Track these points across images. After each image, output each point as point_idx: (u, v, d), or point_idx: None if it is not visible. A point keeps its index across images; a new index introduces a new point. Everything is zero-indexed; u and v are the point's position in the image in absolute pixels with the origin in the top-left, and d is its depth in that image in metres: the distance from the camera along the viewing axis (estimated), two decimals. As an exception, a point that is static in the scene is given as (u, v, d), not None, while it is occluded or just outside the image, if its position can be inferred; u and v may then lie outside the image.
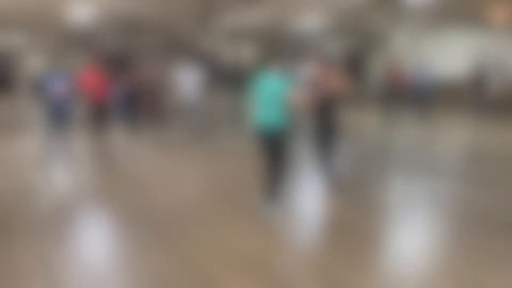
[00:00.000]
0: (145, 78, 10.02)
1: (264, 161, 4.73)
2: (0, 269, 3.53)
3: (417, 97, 12.92)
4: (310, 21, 12.56)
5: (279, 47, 17.64)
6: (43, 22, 11.18)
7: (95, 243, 4.06)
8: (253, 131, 4.48)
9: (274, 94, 4.54)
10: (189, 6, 9.39)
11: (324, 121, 4.80)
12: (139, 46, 12.50)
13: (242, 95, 13.53)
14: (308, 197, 5.40)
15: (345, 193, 5.53)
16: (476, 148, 8.34)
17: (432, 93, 13.15)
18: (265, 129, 4.61)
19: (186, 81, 9.50)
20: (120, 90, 10.07)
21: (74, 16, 9.82)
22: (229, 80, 13.94)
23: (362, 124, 11.89)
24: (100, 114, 7.73)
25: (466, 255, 3.69)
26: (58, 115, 7.15)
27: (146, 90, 9.99)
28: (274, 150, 4.61)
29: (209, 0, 8.63)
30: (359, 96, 17.27)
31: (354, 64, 17.38)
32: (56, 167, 7.34)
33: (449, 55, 15.10)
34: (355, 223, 4.46)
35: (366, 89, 17.25)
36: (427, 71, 12.82)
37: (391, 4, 9.73)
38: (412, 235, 4.15)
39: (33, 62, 20.25)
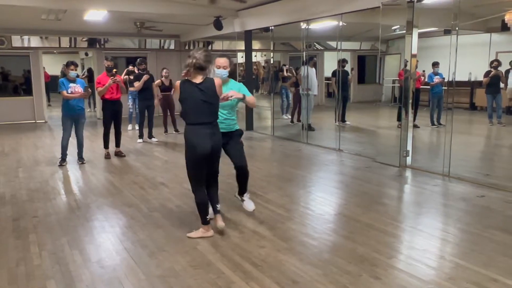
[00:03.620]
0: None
1: None
2: (16, 268, 3.57)
3: None
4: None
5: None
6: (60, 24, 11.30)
7: (109, 242, 4.10)
8: None
9: None
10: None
11: None
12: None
13: None
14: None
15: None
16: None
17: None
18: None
19: None
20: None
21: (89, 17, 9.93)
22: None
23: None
24: (114, 112, 7.86)
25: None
26: (74, 114, 7.24)
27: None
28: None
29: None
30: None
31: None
32: (73, 165, 7.42)
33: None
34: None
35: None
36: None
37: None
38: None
39: (51, 65, 20.51)
